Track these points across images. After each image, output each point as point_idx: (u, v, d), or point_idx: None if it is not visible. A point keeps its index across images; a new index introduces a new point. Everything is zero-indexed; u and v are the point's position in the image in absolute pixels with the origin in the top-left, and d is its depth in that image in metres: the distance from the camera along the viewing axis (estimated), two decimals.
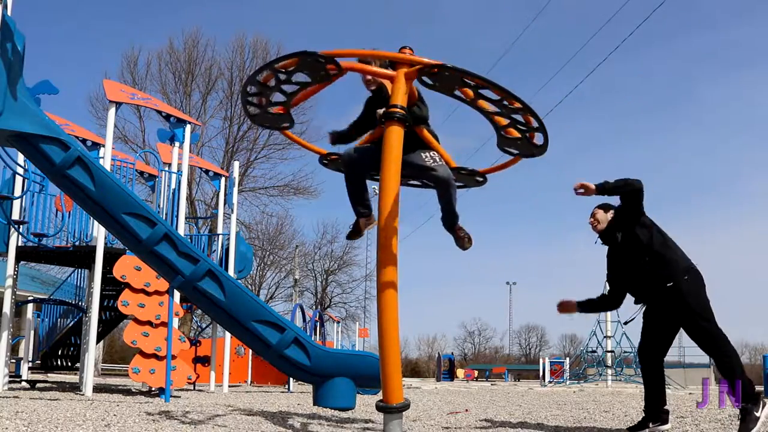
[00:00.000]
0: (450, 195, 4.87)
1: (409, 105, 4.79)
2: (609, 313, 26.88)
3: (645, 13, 27.28)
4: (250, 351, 16.33)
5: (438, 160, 4.88)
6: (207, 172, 14.76)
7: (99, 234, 9.78)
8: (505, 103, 4.60)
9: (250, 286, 36.79)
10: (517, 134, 4.97)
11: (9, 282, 10.29)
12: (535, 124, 4.73)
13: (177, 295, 9.68)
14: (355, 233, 5.25)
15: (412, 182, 5.48)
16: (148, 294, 9.53)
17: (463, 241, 5.02)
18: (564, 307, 5.67)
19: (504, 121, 4.89)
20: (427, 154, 4.88)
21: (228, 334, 12.59)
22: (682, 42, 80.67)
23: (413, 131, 4.80)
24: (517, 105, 4.57)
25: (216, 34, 49.17)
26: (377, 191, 4.67)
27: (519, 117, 4.72)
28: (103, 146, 10.63)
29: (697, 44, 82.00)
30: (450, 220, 5.00)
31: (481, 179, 5.45)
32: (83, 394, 9.23)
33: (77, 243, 10.39)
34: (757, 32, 78.99)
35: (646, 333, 5.40)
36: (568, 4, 73.77)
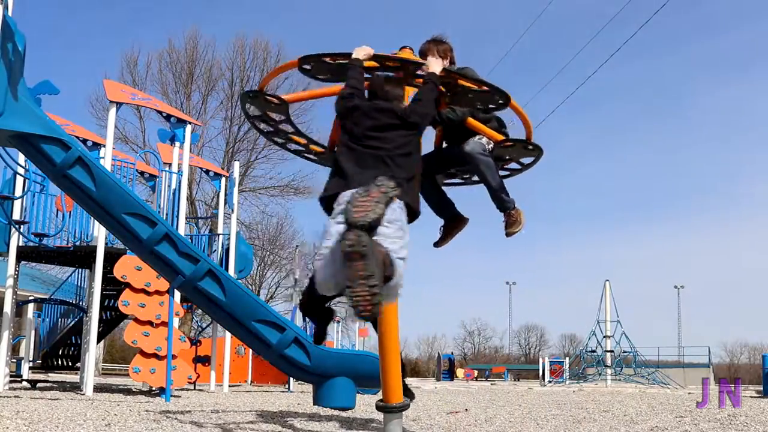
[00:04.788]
0: (482, 171, 4.56)
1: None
2: (609, 313, 26.94)
3: (645, 16, 27.28)
4: (251, 351, 16.32)
5: (471, 139, 4.61)
6: (207, 172, 14.77)
7: (99, 234, 9.79)
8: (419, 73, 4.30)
9: (250, 286, 36.78)
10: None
11: (10, 282, 10.30)
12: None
13: (177, 294, 9.69)
14: (443, 239, 4.88)
15: (457, 180, 5.20)
16: (148, 294, 9.54)
17: (509, 224, 4.69)
18: None
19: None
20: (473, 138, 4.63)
21: (228, 334, 12.60)
22: (682, 45, 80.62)
23: (455, 126, 4.60)
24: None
25: (216, 35, 49.09)
26: None
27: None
28: (104, 146, 10.64)
29: (697, 47, 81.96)
30: (498, 203, 4.67)
31: (531, 147, 4.86)
32: (84, 394, 9.24)
33: (78, 243, 10.41)
34: (756, 35, 78.95)
35: None
36: (566, 9, 73.77)
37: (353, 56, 4.17)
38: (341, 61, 4.26)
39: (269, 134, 5.02)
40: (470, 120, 4.64)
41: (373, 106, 3.88)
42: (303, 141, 5.08)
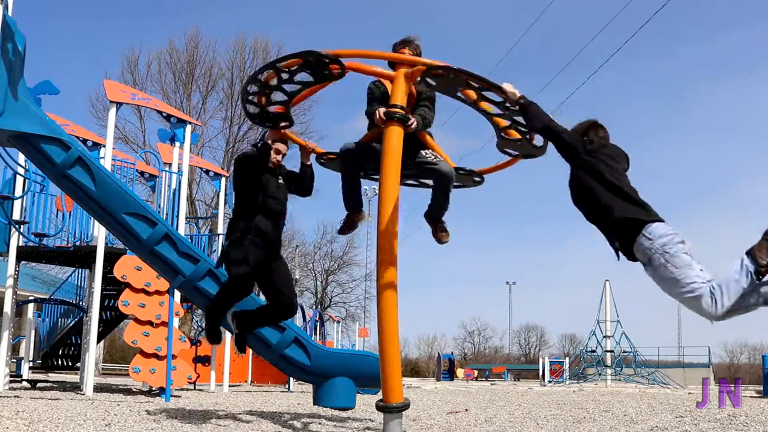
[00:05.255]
0: (448, 189, 5.04)
1: (411, 106, 4.83)
2: (609, 313, 26.92)
3: (646, 16, 27.29)
4: (251, 351, 16.31)
5: (438, 156, 5.01)
6: (207, 172, 14.78)
7: (99, 234, 9.79)
8: (507, 104, 4.65)
9: None
10: (517, 135, 5.06)
11: (10, 282, 10.30)
12: None
13: (177, 294, 9.69)
14: (347, 228, 5.30)
15: (409, 182, 5.54)
16: (148, 294, 9.54)
17: (442, 235, 5.16)
18: None
19: (504, 123, 4.98)
20: (427, 151, 5.00)
21: (228, 334, 12.59)
22: (682, 46, 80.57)
23: (413, 134, 4.85)
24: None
25: (216, 35, 49.08)
26: (377, 191, 4.70)
27: (520, 119, 4.78)
28: (104, 146, 10.64)
29: (697, 48, 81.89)
30: (439, 213, 5.14)
31: (478, 179, 5.58)
32: (84, 394, 9.24)
33: (78, 243, 10.41)
34: (757, 35, 78.84)
35: None
36: (568, 8, 73.74)
37: (517, 93, 4.43)
38: (478, 85, 4.52)
39: (258, 93, 4.93)
40: (427, 136, 5.03)
41: (622, 152, 4.37)
42: (282, 110, 5.06)
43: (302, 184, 5.40)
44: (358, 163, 5.07)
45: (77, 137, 10.31)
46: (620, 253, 4.10)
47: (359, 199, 5.24)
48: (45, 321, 14.12)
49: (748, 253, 3.69)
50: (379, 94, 5.00)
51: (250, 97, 4.98)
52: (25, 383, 12.18)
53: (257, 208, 5.07)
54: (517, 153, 5.31)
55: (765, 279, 3.64)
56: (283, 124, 5.19)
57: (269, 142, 5.15)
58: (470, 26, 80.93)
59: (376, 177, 5.43)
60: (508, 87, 4.49)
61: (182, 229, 11.25)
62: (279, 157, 5.22)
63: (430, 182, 5.27)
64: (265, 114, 5.10)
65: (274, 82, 4.79)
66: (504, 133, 5.12)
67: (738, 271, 3.67)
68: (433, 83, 4.62)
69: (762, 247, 3.67)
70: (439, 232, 5.16)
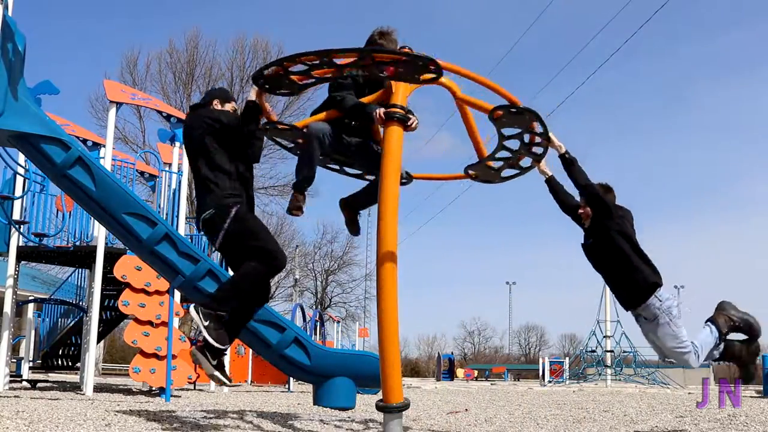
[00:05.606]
0: None
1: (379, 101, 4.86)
2: (609, 313, 26.94)
3: (645, 16, 27.28)
4: (251, 351, 16.31)
5: None
6: None
7: (99, 234, 9.79)
8: (530, 147, 5.01)
9: None
10: (493, 165, 5.31)
11: (10, 282, 10.30)
12: (526, 164, 5.33)
13: (177, 294, 9.69)
14: (297, 208, 5.12)
15: (332, 166, 5.47)
16: (148, 294, 9.54)
17: (357, 228, 5.31)
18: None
19: (485, 153, 5.23)
20: (379, 147, 4.95)
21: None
22: (682, 46, 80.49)
23: (369, 126, 4.97)
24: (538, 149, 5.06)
25: (216, 35, 49.04)
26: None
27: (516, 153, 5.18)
28: (104, 146, 10.64)
29: (697, 48, 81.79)
30: (366, 207, 5.33)
31: (404, 180, 5.58)
32: (84, 394, 9.24)
33: (78, 243, 10.41)
34: (756, 37, 78.70)
35: None
36: (568, 8, 73.69)
37: (563, 147, 5.09)
38: (530, 128, 4.83)
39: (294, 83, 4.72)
40: (380, 132, 5.00)
41: (631, 214, 5.11)
42: (303, 80, 4.93)
43: (253, 148, 5.01)
44: (327, 147, 4.98)
45: (77, 137, 10.31)
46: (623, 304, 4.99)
47: (312, 182, 5.19)
48: (45, 321, 14.12)
49: (712, 322, 4.92)
50: (351, 81, 4.91)
51: (286, 64, 4.72)
52: (25, 383, 12.18)
53: (246, 169, 4.83)
54: (476, 174, 5.48)
55: (721, 342, 4.91)
56: (286, 91, 4.95)
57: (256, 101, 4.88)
58: (470, 26, 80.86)
59: (331, 165, 5.51)
60: (555, 139, 5.03)
61: (182, 229, 11.25)
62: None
63: (354, 172, 5.33)
64: (281, 80, 4.68)
65: (342, 60, 4.47)
66: (485, 162, 5.29)
67: (709, 335, 4.88)
68: (498, 114, 4.71)
69: (720, 317, 4.95)
70: (355, 224, 5.24)
